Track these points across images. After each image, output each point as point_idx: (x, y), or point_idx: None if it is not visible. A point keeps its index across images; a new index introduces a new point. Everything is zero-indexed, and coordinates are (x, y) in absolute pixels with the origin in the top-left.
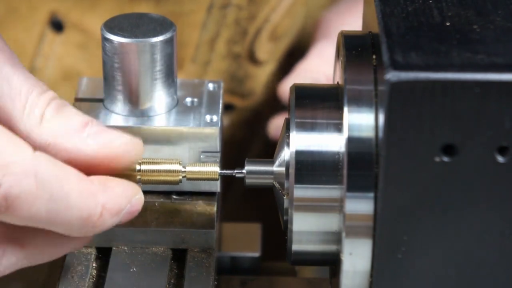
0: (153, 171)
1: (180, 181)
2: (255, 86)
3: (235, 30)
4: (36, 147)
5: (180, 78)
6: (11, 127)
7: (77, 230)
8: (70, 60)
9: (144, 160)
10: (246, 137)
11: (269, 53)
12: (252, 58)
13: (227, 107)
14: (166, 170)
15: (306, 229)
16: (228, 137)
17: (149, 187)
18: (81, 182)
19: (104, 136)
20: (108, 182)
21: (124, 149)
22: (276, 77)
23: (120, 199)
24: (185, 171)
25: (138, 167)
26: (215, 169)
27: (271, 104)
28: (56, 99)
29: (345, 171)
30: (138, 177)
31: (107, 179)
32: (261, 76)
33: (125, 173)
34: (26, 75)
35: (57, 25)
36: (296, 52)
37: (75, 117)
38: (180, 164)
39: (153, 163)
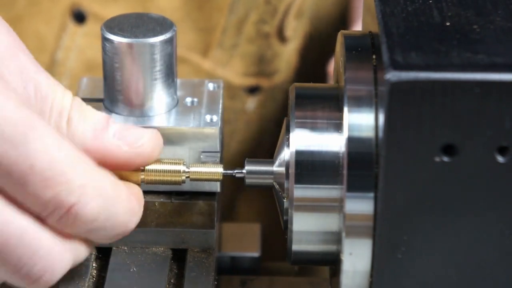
0: (157, 171)
1: (184, 181)
2: (280, 64)
3: (265, 9)
4: None
5: (180, 78)
6: None
7: (109, 240)
8: (92, 52)
9: None
10: (277, 116)
11: (294, 30)
12: (280, 36)
13: (253, 90)
14: (170, 170)
15: (306, 229)
16: (257, 118)
17: (149, 187)
18: (128, 201)
19: (130, 134)
20: (141, 199)
21: (151, 145)
22: (297, 54)
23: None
24: (189, 172)
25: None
26: (219, 169)
27: (294, 81)
28: (76, 98)
29: (345, 171)
30: (142, 176)
31: (139, 194)
32: (286, 54)
33: (129, 172)
34: (48, 76)
35: (78, 17)
36: (314, 29)
37: (96, 116)
38: (184, 164)
39: (157, 163)
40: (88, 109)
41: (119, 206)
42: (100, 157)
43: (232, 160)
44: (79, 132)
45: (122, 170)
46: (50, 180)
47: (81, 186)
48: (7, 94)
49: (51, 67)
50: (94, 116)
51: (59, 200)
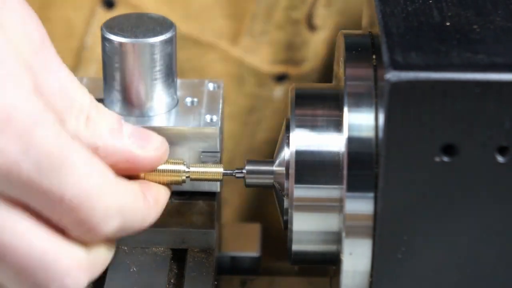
0: (157, 171)
1: (184, 181)
2: (309, 53)
3: None
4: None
5: (180, 78)
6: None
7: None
8: None
9: None
10: None
11: (323, 19)
12: (310, 24)
13: (281, 78)
14: (170, 170)
15: (306, 229)
16: (284, 107)
17: None
18: (145, 203)
19: (142, 136)
20: (159, 198)
21: (162, 150)
22: (326, 45)
23: (161, 212)
24: (189, 172)
25: None
26: (219, 169)
27: (322, 71)
28: (92, 97)
29: (345, 171)
30: (142, 175)
31: (158, 193)
32: (314, 43)
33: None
34: (69, 72)
35: (108, 3)
36: (344, 22)
37: (112, 116)
38: (184, 164)
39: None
40: (103, 108)
41: (137, 215)
42: (117, 157)
43: (258, 148)
44: (97, 130)
45: (135, 172)
46: (77, 208)
47: (104, 209)
48: (48, 121)
49: (80, 52)
50: (109, 115)
51: (83, 222)
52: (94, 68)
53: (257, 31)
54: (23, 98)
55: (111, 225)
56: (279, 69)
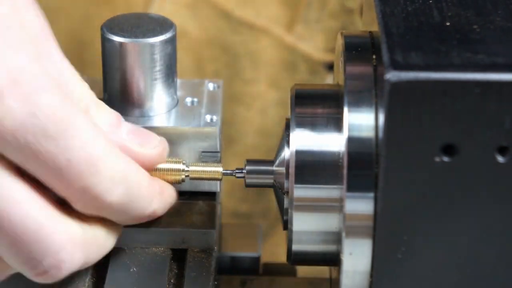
0: (156, 170)
1: (183, 180)
2: None
3: None
4: None
5: (180, 78)
6: None
7: (132, 222)
8: (178, 20)
9: None
10: None
11: None
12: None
13: (333, 66)
14: (169, 169)
15: (306, 229)
16: None
17: None
18: (149, 185)
19: (141, 135)
20: (165, 190)
21: (160, 149)
22: None
23: (166, 208)
24: (188, 171)
25: None
26: (218, 169)
27: None
28: (93, 93)
29: (345, 171)
30: None
31: (165, 186)
32: None
33: None
34: (69, 64)
35: None
36: None
37: (110, 112)
38: (183, 163)
39: None
40: (104, 105)
41: (141, 191)
42: None
43: None
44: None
45: None
46: (84, 173)
47: (110, 176)
48: (54, 88)
49: None
50: (109, 111)
51: (89, 189)
52: None
53: (311, 19)
54: (29, 63)
55: (115, 193)
56: (331, 57)
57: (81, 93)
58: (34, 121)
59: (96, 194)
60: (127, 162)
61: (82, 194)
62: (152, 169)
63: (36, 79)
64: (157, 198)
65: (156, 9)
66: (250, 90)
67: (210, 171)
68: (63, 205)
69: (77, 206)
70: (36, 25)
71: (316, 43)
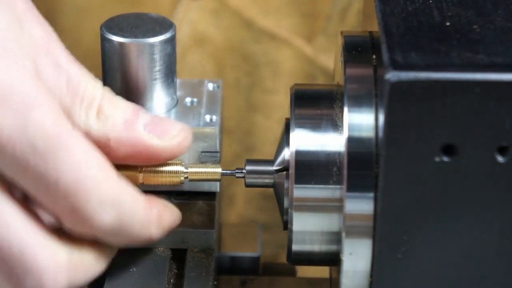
0: (155, 172)
1: (182, 182)
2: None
3: None
4: (98, 144)
5: (180, 78)
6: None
7: (126, 245)
8: (202, 26)
9: None
10: None
11: None
12: None
13: None
14: (168, 171)
15: (306, 229)
16: None
17: (149, 187)
18: (146, 210)
19: (160, 126)
20: (164, 215)
21: (180, 138)
22: None
23: (164, 233)
24: (187, 172)
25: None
26: (217, 169)
27: None
28: (106, 89)
29: (345, 171)
30: (141, 177)
31: (164, 211)
32: None
33: (128, 173)
34: (79, 67)
35: None
36: None
37: (127, 106)
38: (182, 165)
39: (155, 164)
40: (118, 99)
41: (135, 217)
42: (130, 148)
43: None
44: (109, 123)
45: (152, 163)
46: (72, 195)
47: (100, 201)
48: (48, 105)
49: None
50: (125, 107)
51: (76, 211)
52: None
53: (331, 32)
54: (24, 79)
55: (105, 218)
56: None
57: (93, 93)
58: (23, 136)
59: (85, 216)
60: (123, 186)
61: (71, 214)
62: (143, 168)
63: (28, 96)
64: (154, 224)
65: (181, 14)
66: (270, 99)
67: (209, 172)
68: (53, 227)
69: (67, 225)
70: (38, 35)
71: None
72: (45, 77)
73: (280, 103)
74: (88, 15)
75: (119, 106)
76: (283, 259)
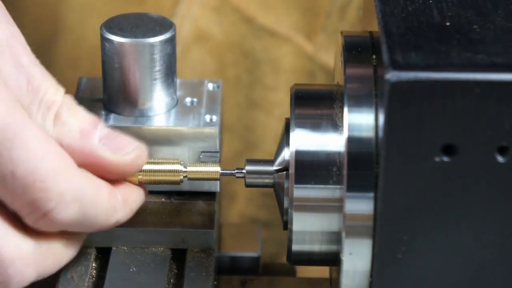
0: (154, 171)
1: (181, 181)
2: None
3: None
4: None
5: (179, 78)
6: None
7: (86, 232)
8: (204, 23)
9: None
10: None
11: None
12: None
13: None
14: (167, 170)
15: (306, 229)
16: None
17: (149, 187)
18: (110, 198)
19: (116, 141)
20: (129, 197)
21: (134, 155)
22: None
23: (131, 214)
24: (186, 171)
25: None
26: (216, 169)
27: None
28: (68, 96)
29: (345, 171)
30: (140, 176)
31: (130, 193)
32: None
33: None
34: (42, 70)
35: None
36: None
37: (85, 117)
38: (181, 164)
39: (154, 163)
40: (79, 108)
41: (98, 208)
42: (83, 158)
43: None
44: (65, 129)
45: (107, 177)
46: (30, 187)
47: (60, 194)
48: (2, 96)
49: None
50: (83, 116)
51: (36, 205)
52: (178, 49)
53: (331, 29)
54: None
55: (67, 212)
56: None
57: (53, 97)
58: None
59: (46, 212)
60: (84, 178)
61: (31, 209)
62: (125, 177)
63: None
64: (120, 208)
65: (183, 11)
66: (270, 96)
67: (208, 171)
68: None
69: (28, 221)
70: (1, 36)
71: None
72: (3, 75)
73: (280, 100)
74: (92, 12)
75: (78, 115)
76: (283, 258)
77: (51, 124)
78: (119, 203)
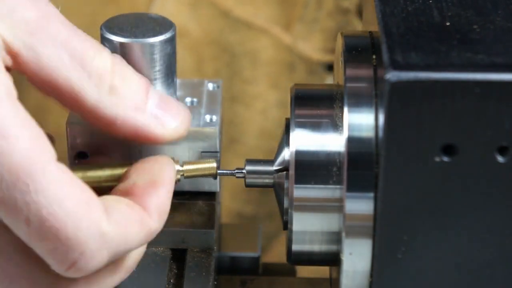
0: None
1: (179, 180)
2: None
3: None
4: (101, 121)
5: (180, 78)
6: (76, 100)
7: None
8: (180, 19)
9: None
10: None
11: None
12: (360, 14)
13: (332, 67)
14: None
15: (306, 229)
16: None
17: None
18: (141, 229)
19: (168, 108)
20: (162, 210)
21: (183, 130)
22: None
23: (164, 222)
24: (182, 170)
25: None
26: (212, 164)
27: None
28: (116, 58)
29: (345, 171)
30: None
31: (162, 205)
32: None
33: None
34: (82, 39)
35: None
36: None
37: (138, 84)
38: (177, 163)
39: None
40: (129, 72)
41: (129, 244)
42: (134, 132)
43: None
44: (120, 101)
45: (149, 144)
46: (46, 236)
47: (83, 243)
48: (18, 133)
49: None
50: (135, 83)
51: (58, 255)
52: None
53: (308, 19)
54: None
55: (95, 259)
56: (329, 57)
57: (102, 64)
58: None
59: (71, 262)
60: (108, 222)
61: (54, 260)
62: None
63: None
64: (155, 229)
65: (157, 8)
66: (250, 90)
67: (204, 168)
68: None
69: (56, 270)
70: (31, 19)
71: (314, 43)
72: (39, 58)
73: (261, 93)
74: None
75: (130, 82)
76: (283, 258)
77: (107, 95)
78: (154, 225)
